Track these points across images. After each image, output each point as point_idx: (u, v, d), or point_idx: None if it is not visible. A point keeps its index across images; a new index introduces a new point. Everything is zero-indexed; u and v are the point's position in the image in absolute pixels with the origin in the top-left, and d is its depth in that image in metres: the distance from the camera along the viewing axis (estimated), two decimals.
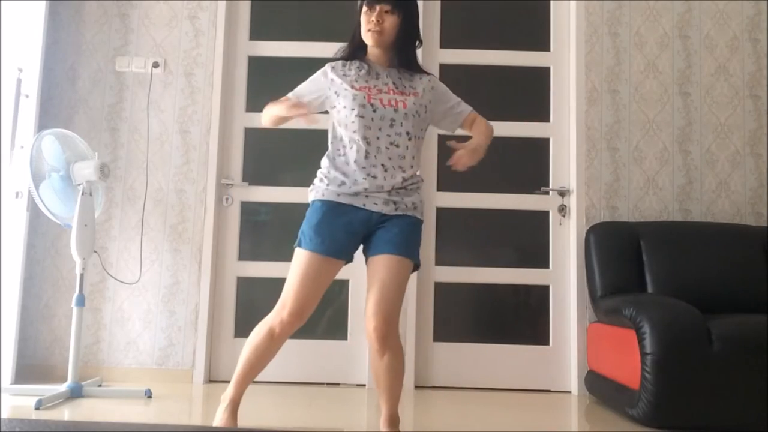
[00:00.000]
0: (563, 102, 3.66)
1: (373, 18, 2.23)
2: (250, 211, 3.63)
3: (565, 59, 3.67)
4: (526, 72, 3.71)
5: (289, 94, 2.34)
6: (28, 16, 3.39)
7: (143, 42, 3.63)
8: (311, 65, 3.66)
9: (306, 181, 3.56)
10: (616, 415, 2.89)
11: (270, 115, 2.29)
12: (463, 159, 2.17)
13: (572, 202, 3.53)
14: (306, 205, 3.43)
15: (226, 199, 3.59)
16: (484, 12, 3.76)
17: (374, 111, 2.22)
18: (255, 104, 3.68)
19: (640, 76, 3.58)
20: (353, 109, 2.21)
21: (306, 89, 2.35)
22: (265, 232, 3.65)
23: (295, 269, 2.21)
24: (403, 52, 2.30)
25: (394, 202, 2.21)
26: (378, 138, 2.21)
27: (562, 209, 3.57)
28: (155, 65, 3.59)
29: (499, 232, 3.63)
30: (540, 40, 3.72)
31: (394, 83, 2.29)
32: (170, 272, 3.49)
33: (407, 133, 2.23)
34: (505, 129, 3.64)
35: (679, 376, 2.57)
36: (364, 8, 2.27)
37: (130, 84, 3.61)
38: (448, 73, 3.69)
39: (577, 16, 3.61)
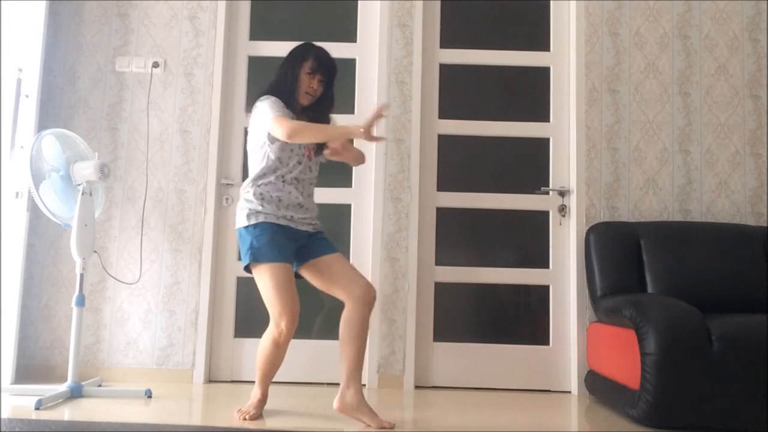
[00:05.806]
0: (563, 102, 3.66)
1: (314, 85, 2.67)
2: None
3: (565, 59, 3.67)
4: (526, 72, 3.71)
5: (280, 114, 2.57)
6: (28, 16, 3.39)
7: (143, 42, 3.63)
8: None
9: None
10: (616, 415, 2.89)
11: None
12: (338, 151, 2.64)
13: (572, 202, 3.53)
14: None
15: (226, 199, 3.59)
16: (484, 12, 3.76)
17: (301, 157, 2.66)
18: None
19: (640, 76, 3.58)
20: (296, 154, 2.65)
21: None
22: None
23: (268, 283, 2.55)
24: (327, 110, 2.74)
25: (312, 225, 2.71)
26: (304, 179, 2.68)
27: (562, 209, 3.57)
28: (155, 65, 3.60)
29: (499, 232, 3.63)
30: (540, 40, 3.72)
31: None
32: (170, 272, 3.49)
33: (315, 177, 2.75)
34: (505, 129, 3.65)
35: (679, 377, 2.57)
36: (307, 70, 2.66)
37: (130, 84, 3.61)
38: (448, 73, 3.69)
39: (577, 16, 3.61)
